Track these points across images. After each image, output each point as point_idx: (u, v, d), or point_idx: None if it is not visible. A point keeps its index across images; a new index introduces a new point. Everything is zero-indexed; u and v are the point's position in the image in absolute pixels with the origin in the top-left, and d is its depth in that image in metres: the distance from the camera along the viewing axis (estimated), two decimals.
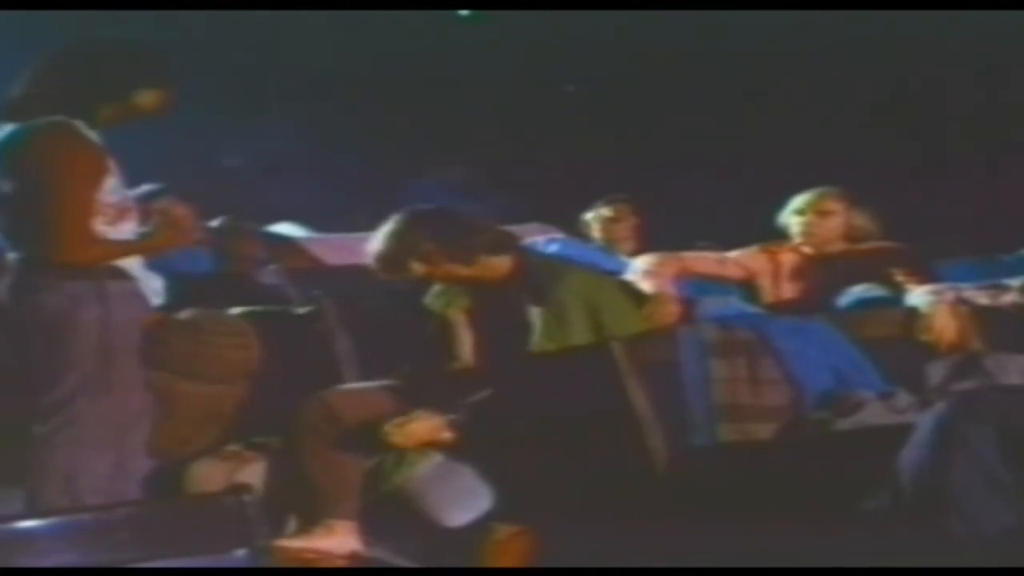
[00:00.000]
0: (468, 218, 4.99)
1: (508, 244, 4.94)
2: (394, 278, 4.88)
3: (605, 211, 6.94)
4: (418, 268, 4.80)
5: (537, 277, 4.84)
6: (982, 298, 5.05)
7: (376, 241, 4.83)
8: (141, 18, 7.08)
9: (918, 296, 5.07)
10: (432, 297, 5.01)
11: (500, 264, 4.87)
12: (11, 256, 4.23)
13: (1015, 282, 5.11)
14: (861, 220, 5.64)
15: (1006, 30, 8.00)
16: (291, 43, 8.78)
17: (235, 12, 8.05)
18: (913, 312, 5.00)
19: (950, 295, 5.02)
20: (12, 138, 4.14)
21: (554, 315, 4.77)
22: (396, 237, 4.79)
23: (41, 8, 6.93)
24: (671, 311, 5.13)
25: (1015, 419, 4.28)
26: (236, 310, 5.04)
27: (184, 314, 4.63)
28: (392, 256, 4.79)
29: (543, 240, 5.45)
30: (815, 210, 5.61)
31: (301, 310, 5.38)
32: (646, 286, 5.17)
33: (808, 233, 5.59)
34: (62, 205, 4.07)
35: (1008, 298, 5.06)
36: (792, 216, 5.65)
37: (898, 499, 4.31)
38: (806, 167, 6.33)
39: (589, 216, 6.98)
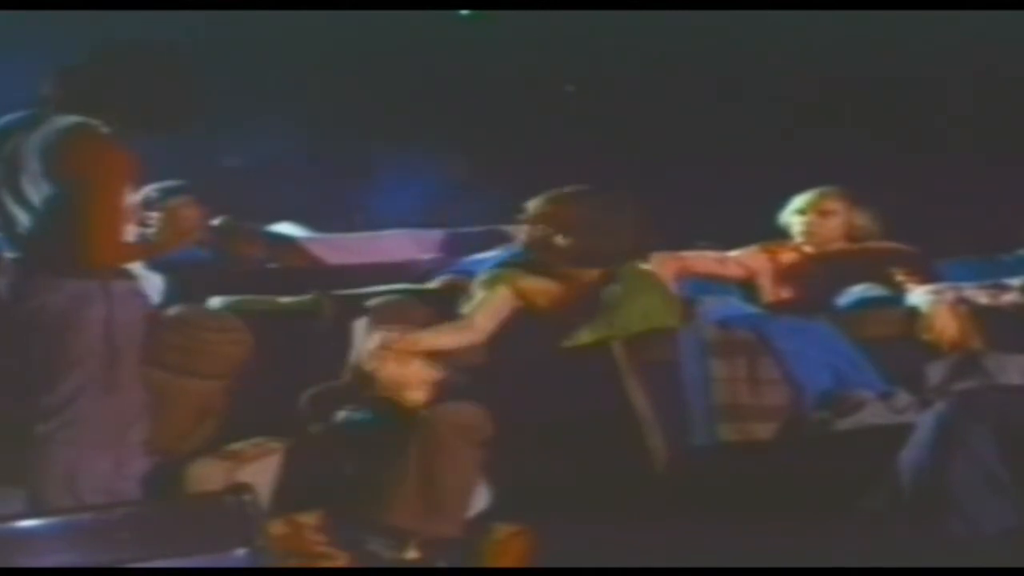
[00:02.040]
0: (617, 227, 5.14)
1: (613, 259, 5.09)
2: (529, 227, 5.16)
3: None
4: (540, 237, 5.07)
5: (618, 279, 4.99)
6: (982, 297, 5.05)
7: (546, 197, 5.14)
8: (141, 18, 7.06)
9: (918, 296, 5.07)
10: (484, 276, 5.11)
11: (589, 273, 5.01)
12: (8, 256, 4.22)
13: (1015, 282, 5.12)
14: (862, 220, 5.64)
15: (1006, 30, 7.99)
16: (291, 43, 8.76)
17: (235, 12, 8.03)
18: (913, 312, 5.00)
19: (950, 294, 5.02)
20: (46, 138, 4.11)
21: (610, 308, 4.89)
22: (571, 205, 5.10)
23: (41, 8, 6.93)
24: None
25: (1014, 419, 4.29)
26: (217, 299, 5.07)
27: (173, 310, 4.61)
28: (548, 214, 5.08)
29: None
30: (816, 210, 5.61)
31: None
32: None
33: (809, 233, 5.59)
34: (99, 209, 4.07)
35: (1008, 298, 5.06)
36: (793, 216, 5.65)
37: (898, 499, 4.31)
38: (806, 167, 6.32)
39: None
